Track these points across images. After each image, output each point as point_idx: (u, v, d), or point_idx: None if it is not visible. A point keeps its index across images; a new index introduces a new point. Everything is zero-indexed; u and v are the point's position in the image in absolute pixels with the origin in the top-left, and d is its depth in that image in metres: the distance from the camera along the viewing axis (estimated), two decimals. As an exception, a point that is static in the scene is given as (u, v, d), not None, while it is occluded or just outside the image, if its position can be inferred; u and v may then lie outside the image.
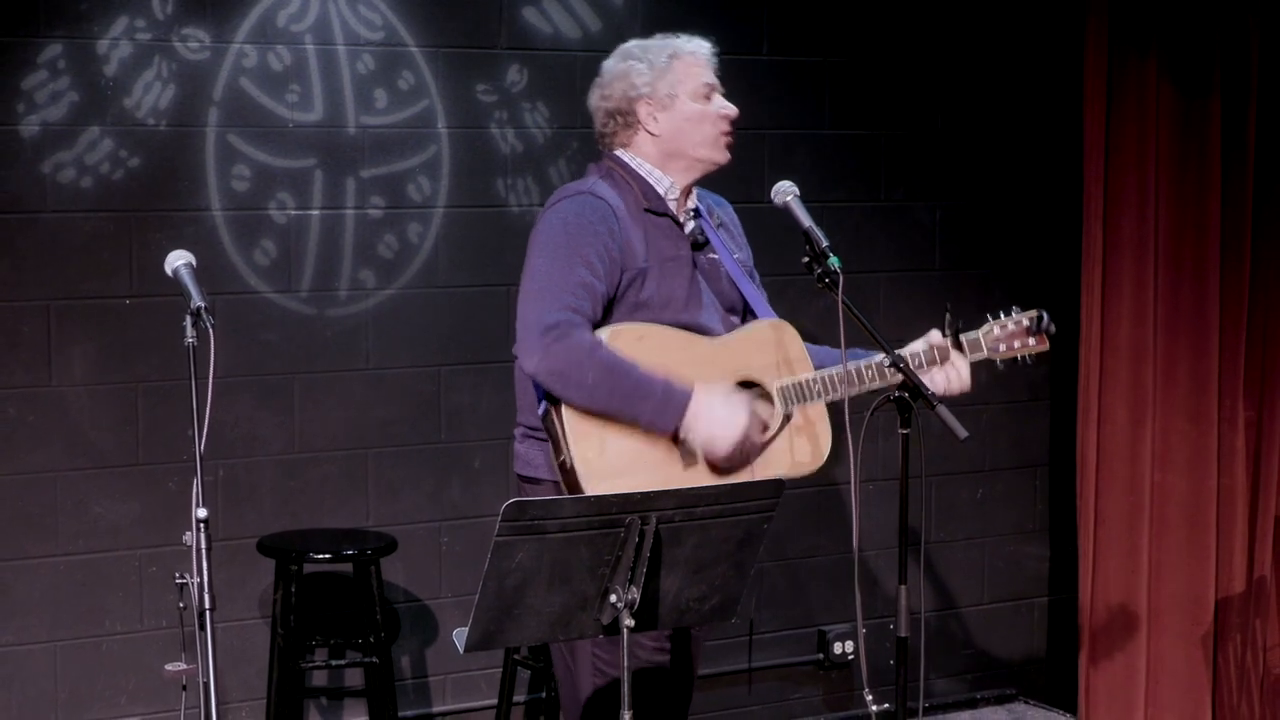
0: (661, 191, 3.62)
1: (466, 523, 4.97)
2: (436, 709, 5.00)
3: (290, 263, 4.75)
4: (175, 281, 3.34)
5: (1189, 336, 5.45)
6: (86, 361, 4.56)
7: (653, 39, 3.69)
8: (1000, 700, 5.75)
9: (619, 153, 3.65)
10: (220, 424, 4.53)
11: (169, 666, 3.17)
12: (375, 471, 4.88)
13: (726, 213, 3.82)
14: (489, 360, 4.89)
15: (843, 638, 5.44)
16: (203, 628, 3.04)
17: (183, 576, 3.07)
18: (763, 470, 3.54)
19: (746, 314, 3.73)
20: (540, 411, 3.52)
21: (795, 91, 5.25)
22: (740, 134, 3.72)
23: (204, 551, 3.06)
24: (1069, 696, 5.68)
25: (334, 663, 4.83)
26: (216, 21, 4.61)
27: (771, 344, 3.63)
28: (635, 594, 3.02)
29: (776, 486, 3.19)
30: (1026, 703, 5.75)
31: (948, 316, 3.74)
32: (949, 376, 3.69)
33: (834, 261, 3.54)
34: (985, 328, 3.76)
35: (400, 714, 4.81)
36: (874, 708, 3.74)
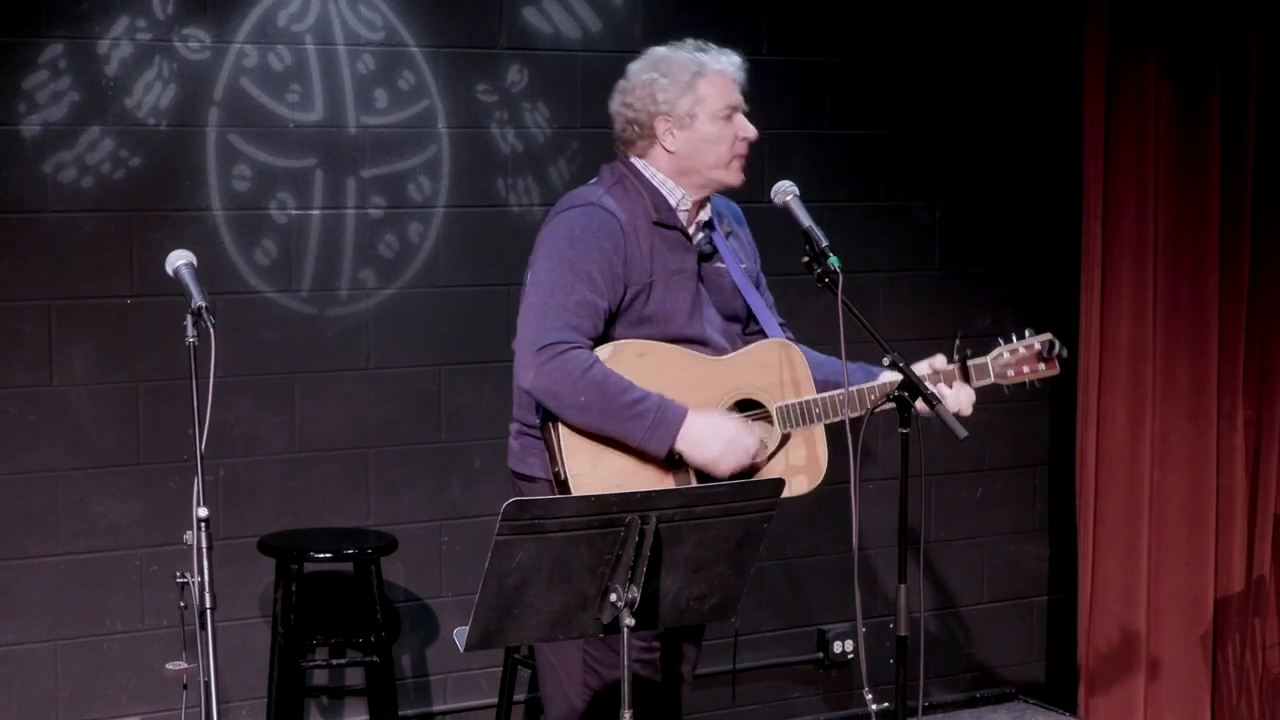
0: (673, 203, 3.62)
1: (467, 522, 4.97)
2: (437, 708, 5.00)
3: (291, 262, 4.75)
4: (176, 281, 3.35)
5: (1188, 336, 5.46)
6: (87, 361, 4.57)
7: (682, 49, 3.64)
8: (999, 699, 5.75)
9: (634, 160, 3.64)
10: (221, 423, 4.53)
11: (170, 665, 3.17)
12: (376, 471, 4.89)
13: (738, 220, 3.81)
14: (489, 360, 4.90)
15: (842, 637, 5.45)
16: (203, 627, 3.05)
17: (183, 576, 3.07)
18: None
19: (749, 322, 3.73)
20: (538, 420, 3.53)
21: (795, 91, 5.25)
22: (740, 134, 3.72)
23: (205, 551, 3.07)
24: (1068, 696, 5.69)
25: (334, 662, 4.84)
26: (217, 21, 4.61)
27: (774, 364, 3.63)
28: (635, 593, 3.03)
29: (776, 486, 3.20)
30: (1026, 702, 5.75)
31: (957, 343, 3.73)
32: (959, 398, 3.67)
33: (834, 261, 3.54)
34: (995, 353, 3.75)
35: (401, 713, 4.82)
36: (874, 707, 3.74)
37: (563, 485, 3.45)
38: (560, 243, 3.51)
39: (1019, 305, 5.64)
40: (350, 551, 4.57)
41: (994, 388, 3.78)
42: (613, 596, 3.03)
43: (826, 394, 3.61)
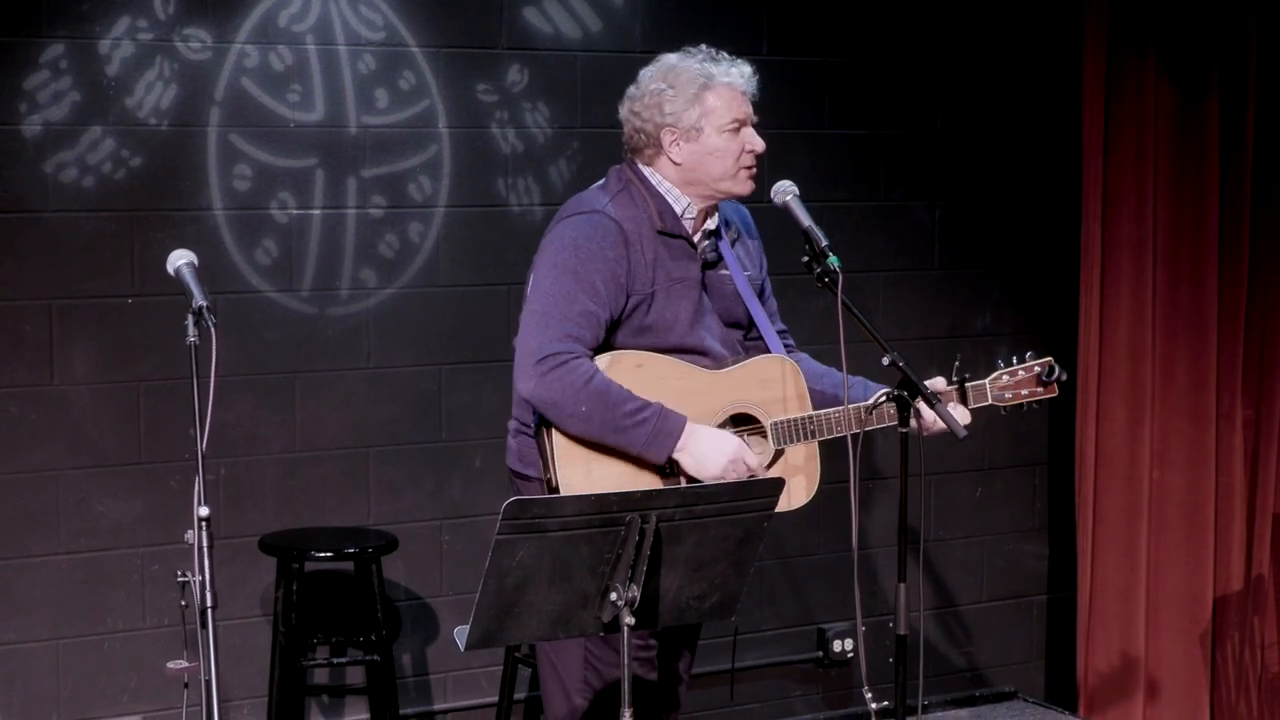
0: (679, 211, 3.62)
1: (467, 521, 4.98)
2: (437, 706, 5.01)
3: (291, 262, 4.76)
4: (177, 281, 3.35)
5: (1187, 335, 5.46)
6: (88, 360, 4.57)
7: (692, 58, 3.61)
8: (999, 698, 5.76)
9: (642, 168, 3.64)
10: (222, 423, 4.54)
11: (171, 664, 3.17)
12: (376, 470, 4.89)
13: (747, 227, 3.81)
14: (490, 359, 4.91)
15: (842, 636, 5.45)
16: (204, 626, 3.05)
17: (184, 575, 3.07)
18: None
19: (751, 328, 3.74)
20: (533, 425, 3.54)
21: (795, 91, 5.26)
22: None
23: (206, 550, 3.07)
24: (1068, 694, 5.69)
25: (335, 660, 4.85)
26: (218, 21, 4.62)
27: (771, 380, 3.63)
28: (635, 592, 3.03)
29: (776, 485, 3.21)
30: (1025, 701, 5.75)
31: (956, 365, 3.74)
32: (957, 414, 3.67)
33: (833, 261, 3.55)
34: (993, 376, 3.76)
35: (401, 712, 4.82)
36: (873, 705, 3.74)
37: (554, 493, 3.45)
38: (564, 250, 3.51)
39: (1018, 305, 5.65)
40: (351, 551, 4.58)
41: (990, 408, 3.80)
42: (613, 595, 3.04)
43: (822, 412, 3.61)
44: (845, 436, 3.57)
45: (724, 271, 3.68)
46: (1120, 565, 5.50)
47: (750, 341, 3.74)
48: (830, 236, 3.60)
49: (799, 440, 3.59)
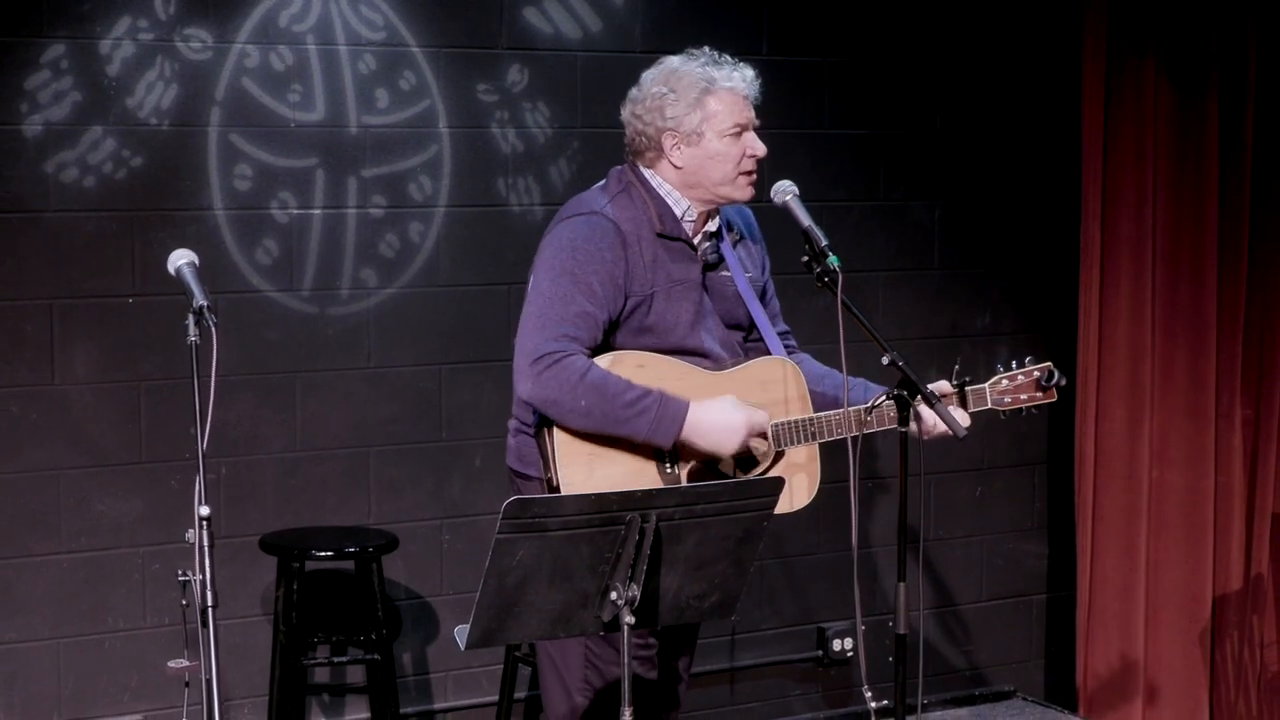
0: (679, 214, 3.62)
1: (467, 520, 4.98)
2: (438, 705, 5.01)
3: (292, 262, 4.76)
4: (178, 280, 3.35)
5: (1186, 335, 5.47)
6: (89, 360, 4.58)
7: (694, 61, 3.60)
8: (998, 697, 5.76)
9: (643, 170, 3.64)
10: (222, 422, 4.54)
11: (171, 663, 3.17)
12: (377, 469, 4.90)
13: (749, 229, 3.81)
14: (490, 359, 4.91)
15: (842, 635, 5.46)
16: (205, 625, 3.05)
17: (185, 574, 3.08)
18: None
19: (751, 330, 3.74)
20: (533, 425, 3.54)
21: (795, 91, 5.26)
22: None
23: (206, 549, 3.08)
24: (1067, 694, 5.70)
25: (336, 660, 4.85)
26: (218, 21, 4.62)
27: (772, 381, 3.63)
28: (635, 591, 3.04)
29: (776, 484, 3.21)
30: (1024, 700, 5.76)
31: (956, 369, 3.76)
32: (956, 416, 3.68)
33: (833, 261, 3.55)
34: (993, 380, 3.77)
35: (402, 711, 4.83)
36: (873, 705, 3.75)
37: (555, 492, 3.46)
38: (562, 252, 3.51)
39: (1018, 304, 5.65)
40: (351, 550, 4.58)
41: (989, 410, 3.81)
42: (613, 594, 3.04)
43: (822, 414, 3.61)
44: (846, 438, 3.57)
45: (725, 273, 3.68)
46: (1119, 565, 5.50)
47: (751, 343, 3.74)
48: (830, 236, 3.60)
49: (800, 442, 3.59)
